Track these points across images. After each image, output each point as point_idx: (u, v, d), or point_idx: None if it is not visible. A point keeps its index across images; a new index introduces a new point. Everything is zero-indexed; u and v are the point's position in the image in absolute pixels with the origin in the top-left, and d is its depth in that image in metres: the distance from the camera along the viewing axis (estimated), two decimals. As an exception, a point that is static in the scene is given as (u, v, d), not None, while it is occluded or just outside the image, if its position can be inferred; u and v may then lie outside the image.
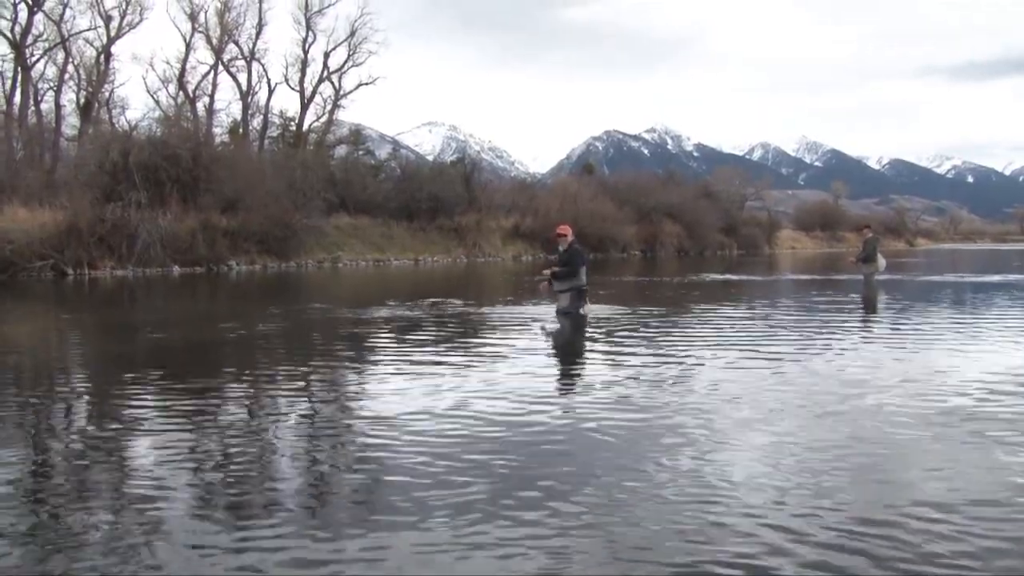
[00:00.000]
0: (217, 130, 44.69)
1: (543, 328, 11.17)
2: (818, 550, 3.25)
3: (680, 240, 55.14)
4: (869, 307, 15.02)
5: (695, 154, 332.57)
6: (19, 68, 39.17)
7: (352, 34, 46.87)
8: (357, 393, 6.83)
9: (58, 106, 41.70)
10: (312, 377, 7.57)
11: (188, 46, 44.81)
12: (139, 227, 27.45)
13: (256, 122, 47.18)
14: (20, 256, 24.94)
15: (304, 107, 47.30)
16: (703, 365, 7.71)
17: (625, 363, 7.92)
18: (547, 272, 12.44)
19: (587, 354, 9.24)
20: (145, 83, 48.36)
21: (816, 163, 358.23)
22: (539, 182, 69.61)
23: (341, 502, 3.92)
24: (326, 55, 47.26)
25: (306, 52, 47.02)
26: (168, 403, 6.33)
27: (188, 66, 45.10)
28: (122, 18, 41.79)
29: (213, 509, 3.82)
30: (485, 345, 9.56)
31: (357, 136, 50.37)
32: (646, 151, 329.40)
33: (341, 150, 48.75)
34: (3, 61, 39.90)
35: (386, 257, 37.97)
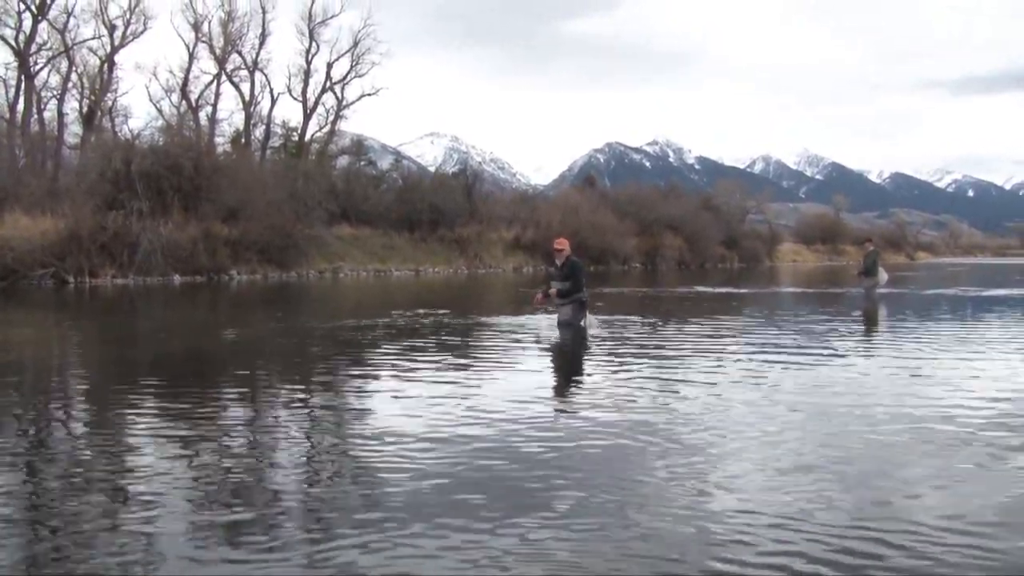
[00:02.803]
0: (219, 140, 44.90)
1: (538, 338, 11.16)
2: (812, 562, 3.23)
3: (681, 253, 55.20)
4: (870, 320, 15.00)
5: (696, 167, 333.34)
6: (23, 76, 39.34)
7: (355, 45, 47.14)
8: (353, 403, 6.81)
9: (61, 114, 41.91)
10: (307, 386, 7.55)
11: (191, 56, 45.08)
12: (140, 236, 27.52)
13: (258, 132, 47.42)
14: (21, 263, 25.01)
15: (306, 117, 47.51)
16: (700, 375, 7.68)
17: (624, 373, 7.90)
18: (552, 291, 12.20)
19: (587, 364, 9.22)
20: (148, 92, 48.43)
21: (817, 176, 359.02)
22: (541, 194, 69.67)
23: (339, 509, 3.90)
24: (329, 66, 47.53)
25: (309, 63, 47.30)
26: (164, 410, 6.31)
27: (191, 75, 45.36)
28: (126, 27, 42.08)
29: (211, 513, 3.80)
30: (483, 356, 9.54)
31: (359, 146, 50.51)
32: (648, 163, 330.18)
33: (343, 160, 48.92)
34: (7, 69, 40.18)
35: (387, 268, 38.01)
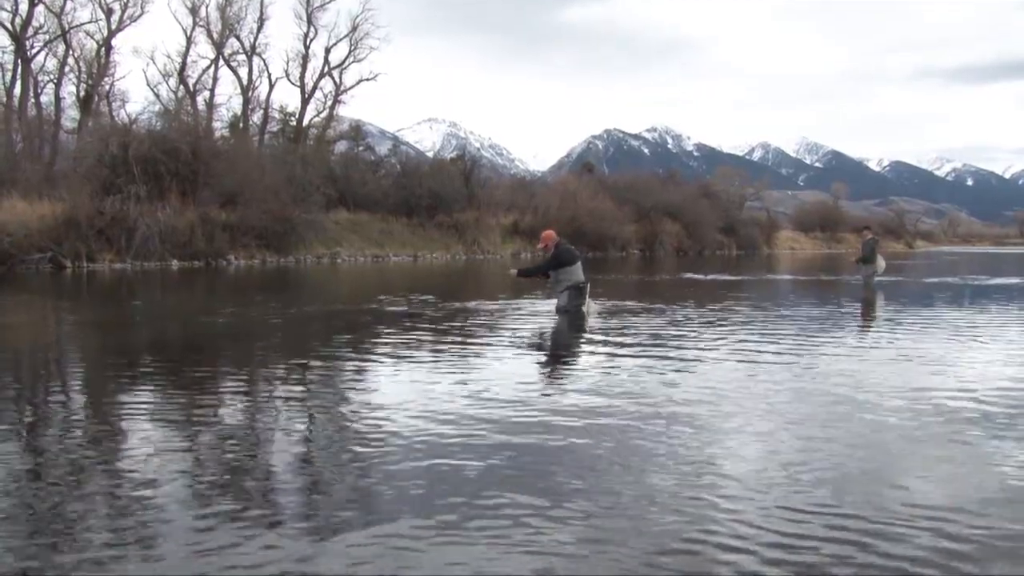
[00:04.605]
0: (217, 124, 44.74)
1: (540, 335, 11.13)
2: (807, 552, 3.24)
3: (680, 239, 55.20)
4: (867, 308, 15.01)
5: (695, 154, 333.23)
6: (19, 60, 39.14)
7: (354, 29, 46.93)
8: (348, 388, 6.81)
9: (58, 99, 41.74)
10: (302, 372, 7.55)
11: (189, 40, 44.86)
12: (138, 221, 27.45)
13: (256, 117, 47.25)
14: (19, 248, 24.95)
15: (304, 102, 47.32)
16: (697, 364, 7.69)
17: (620, 361, 7.91)
18: (513, 271, 13.13)
19: (582, 351, 9.21)
20: (146, 76, 48.72)
21: (816, 164, 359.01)
22: (539, 180, 69.61)
23: (338, 499, 3.91)
24: (327, 50, 47.32)
25: (307, 47, 47.09)
26: (161, 395, 6.32)
27: (189, 60, 45.18)
28: (123, 11, 41.82)
29: (209, 505, 3.81)
30: (478, 342, 9.54)
31: (357, 132, 50.35)
32: (646, 150, 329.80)
33: (341, 146, 48.80)
34: (3, 53, 39.93)
35: (385, 253, 37.97)
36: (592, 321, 11.39)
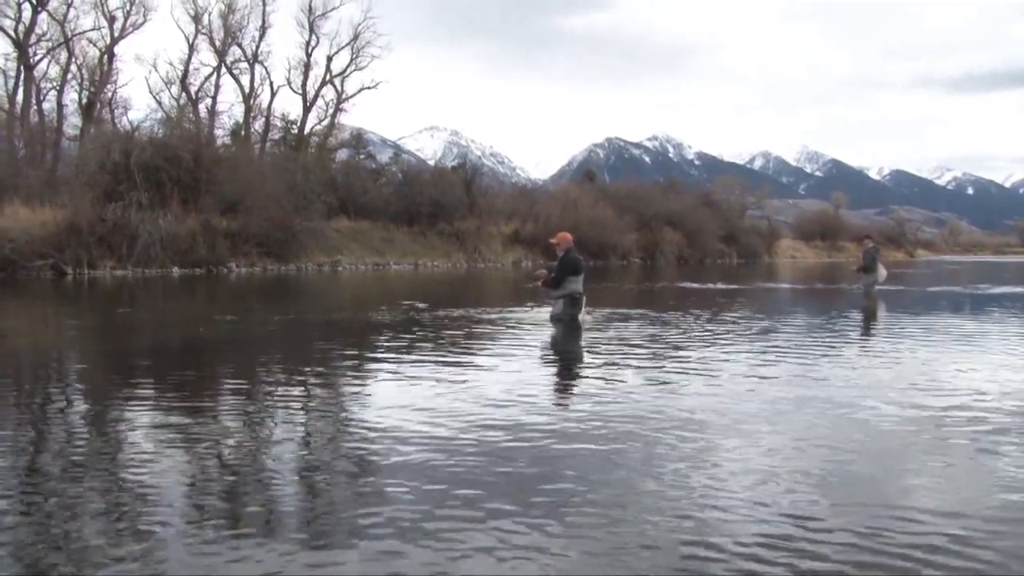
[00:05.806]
0: (219, 132, 44.81)
1: (536, 344, 11.11)
2: (806, 559, 3.24)
3: (681, 248, 55.21)
4: (868, 317, 15.01)
5: (696, 162, 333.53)
6: (22, 67, 39.26)
7: (355, 38, 47.01)
8: (348, 396, 6.82)
9: (60, 105, 41.86)
10: (299, 379, 7.55)
11: (191, 48, 44.98)
12: (139, 228, 27.50)
13: (258, 125, 47.30)
14: (20, 255, 25.00)
15: (306, 110, 47.39)
16: (695, 373, 7.68)
17: (616, 369, 7.91)
18: (540, 275, 12.59)
19: (578, 360, 9.20)
20: (148, 84, 48.91)
21: (817, 173, 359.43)
22: (540, 188, 69.59)
23: (335, 504, 3.91)
24: (329, 58, 47.41)
25: (309, 55, 47.17)
26: (159, 400, 6.32)
27: (191, 67, 45.28)
28: (126, 19, 41.99)
29: (207, 509, 3.81)
30: (476, 352, 9.54)
31: (359, 140, 50.41)
32: (647, 159, 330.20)
33: (342, 154, 48.81)
34: (6, 60, 40.08)
35: (386, 261, 37.99)
36: (588, 330, 11.37)
